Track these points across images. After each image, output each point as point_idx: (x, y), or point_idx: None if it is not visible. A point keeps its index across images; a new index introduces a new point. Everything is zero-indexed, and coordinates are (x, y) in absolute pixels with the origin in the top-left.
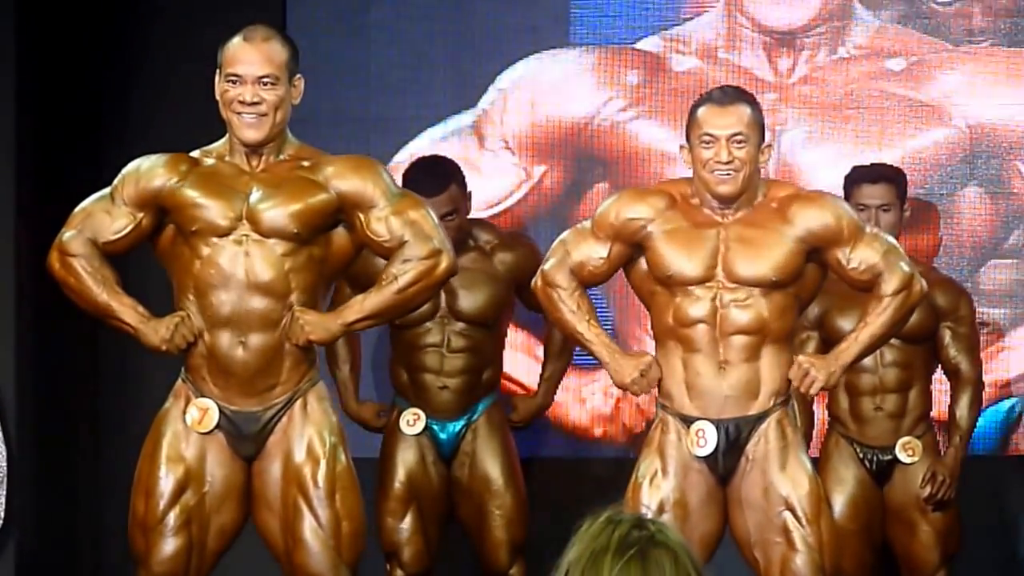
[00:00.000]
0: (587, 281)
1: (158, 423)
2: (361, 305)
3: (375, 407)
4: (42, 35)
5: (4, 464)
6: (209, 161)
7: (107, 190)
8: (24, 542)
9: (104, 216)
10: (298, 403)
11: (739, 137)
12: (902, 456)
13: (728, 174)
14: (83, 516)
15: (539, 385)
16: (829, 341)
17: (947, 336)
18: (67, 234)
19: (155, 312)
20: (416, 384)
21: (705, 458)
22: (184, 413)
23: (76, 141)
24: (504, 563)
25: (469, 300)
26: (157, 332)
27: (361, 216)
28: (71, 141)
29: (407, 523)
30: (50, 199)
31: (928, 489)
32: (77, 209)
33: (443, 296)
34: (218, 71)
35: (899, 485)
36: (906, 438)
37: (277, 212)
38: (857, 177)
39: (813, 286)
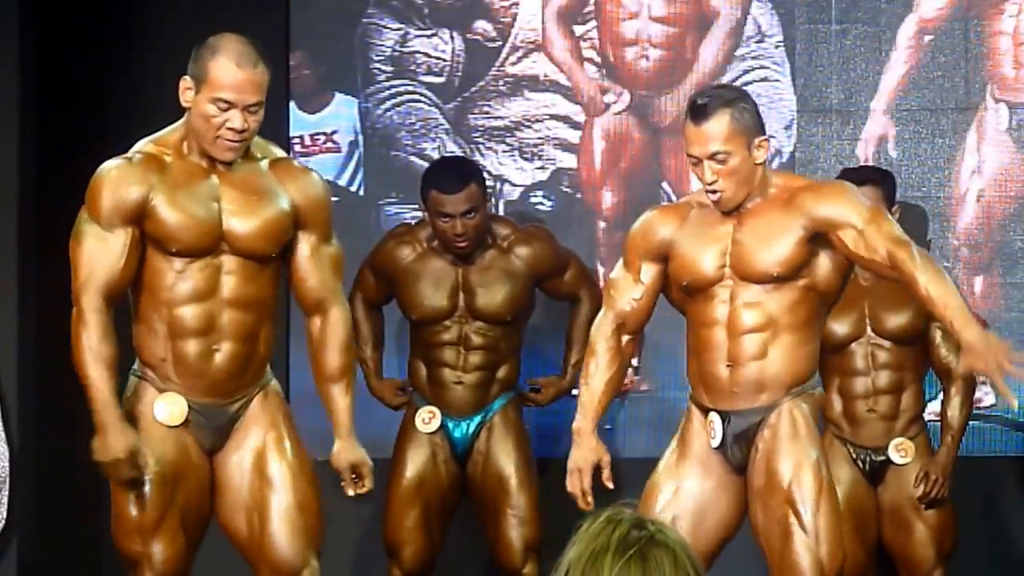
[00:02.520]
0: (633, 325)
1: None
2: (348, 414)
3: (395, 384)
4: (45, 32)
5: (6, 465)
6: (169, 159)
7: (86, 223)
8: (26, 543)
9: (102, 251)
10: (258, 395)
11: (719, 156)
12: (895, 457)
13: (715, 192)
14: (84, 517)
15: (564, 370)
16: (822, 345)
17: (937, 336)
18: (83, 297)
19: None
20: (433, 380)
21: (718, 448)
22: (150, 410)
23: (78, 139)
24: (518, 562)
25: (487, 298)
26: (108, 452)
27: (303, 236)
28: (73, 139)
29: (410, 522)
30: (52, 199)
31: (921, 488)
32: (78, 264)
33: (461, 295)
34: (197, 83)
35: (893, 486)
36: (899, 439)
37: (253, 234)
38: (843, 179)
39: (831, 277)
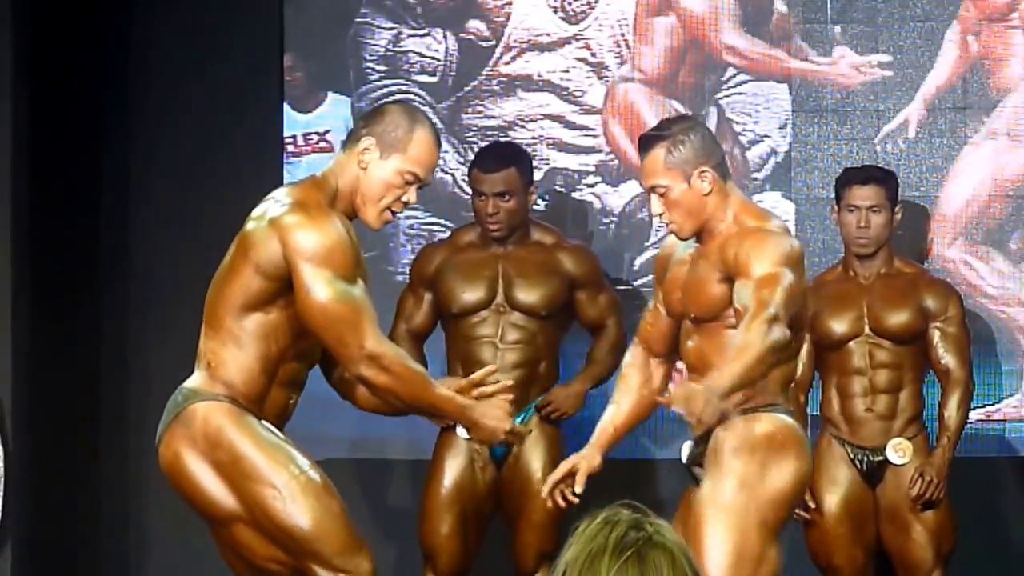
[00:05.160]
0: (657, 347)
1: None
2: None
3: None
4: (40, 31)
5: (1, 466)
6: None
7: (334, 281)
8: (22, 542)
9: (364, 299)
10: None
11: (658, 190)
12: (892, 457)
13: (666, 224)
14: (81, 516)
15: (577, 376)
16: (821, 343)
17: (936, 336)
18: (374, 341)
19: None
20: None
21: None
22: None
23: (75, 140)
24: (530, 567)
25: (526, 290)
26: (500, 426)
27: None
28: (69, 139)
29: (447, 528)
30: (47, 197)
31: (916, 488)
32: (349, 319)
33: (500, 285)
34: (387, 149)
35: (891, 486)
36: (896, 439)
37: None
38: (847, 179)
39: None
